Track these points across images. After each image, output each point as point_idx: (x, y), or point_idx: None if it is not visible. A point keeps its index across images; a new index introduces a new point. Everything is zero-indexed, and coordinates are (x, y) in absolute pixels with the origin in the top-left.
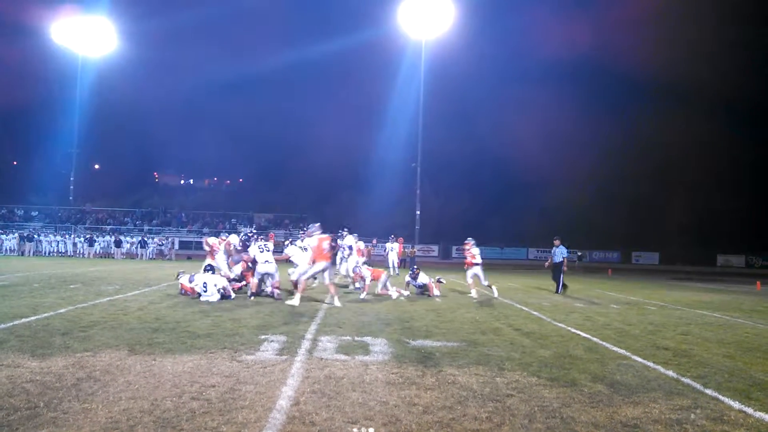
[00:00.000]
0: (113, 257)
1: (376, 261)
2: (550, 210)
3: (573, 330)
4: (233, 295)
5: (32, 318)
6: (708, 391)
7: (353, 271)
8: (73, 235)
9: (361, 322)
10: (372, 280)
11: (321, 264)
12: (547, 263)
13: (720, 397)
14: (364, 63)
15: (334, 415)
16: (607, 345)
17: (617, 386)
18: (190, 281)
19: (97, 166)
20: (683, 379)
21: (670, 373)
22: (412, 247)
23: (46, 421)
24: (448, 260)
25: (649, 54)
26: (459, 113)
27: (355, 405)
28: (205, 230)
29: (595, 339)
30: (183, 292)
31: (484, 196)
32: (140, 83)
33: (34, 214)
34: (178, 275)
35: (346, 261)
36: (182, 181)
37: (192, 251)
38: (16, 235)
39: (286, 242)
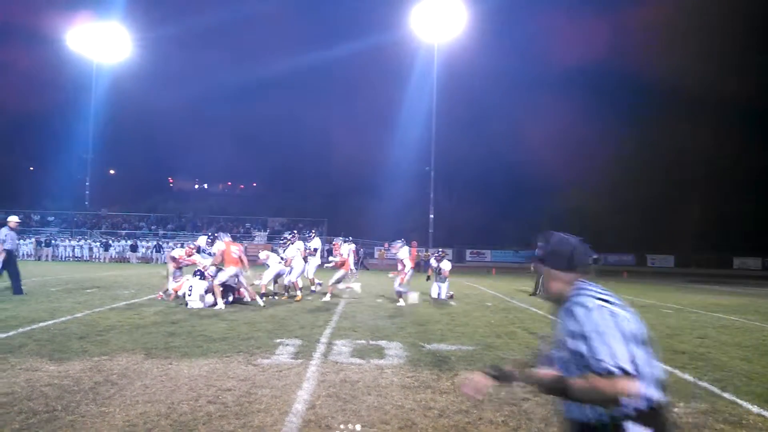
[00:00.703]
0: (129, 261)
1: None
2: (563, 213)
3: None
4: (221, 305)
5: (50, 322)
6: (726, 395)
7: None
8: (89, 240)
9: (375, 326)
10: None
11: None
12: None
13: (738, 401)
14: (376, 67)
15: (350, 419)
16: None
17: None
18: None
19: (112, 172)
20: (701, 382)
21: (688, 376)
22: (426, 251)
23: (64, 424)
24: (462, 263)
25: (662, 58)
26: (472, 117)
27: (370, 409)
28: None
29: None
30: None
31: (497, 200)
32: (154, 89)
33: (50, 219)
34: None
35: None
36: (196, 186)
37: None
38: (33, 239)
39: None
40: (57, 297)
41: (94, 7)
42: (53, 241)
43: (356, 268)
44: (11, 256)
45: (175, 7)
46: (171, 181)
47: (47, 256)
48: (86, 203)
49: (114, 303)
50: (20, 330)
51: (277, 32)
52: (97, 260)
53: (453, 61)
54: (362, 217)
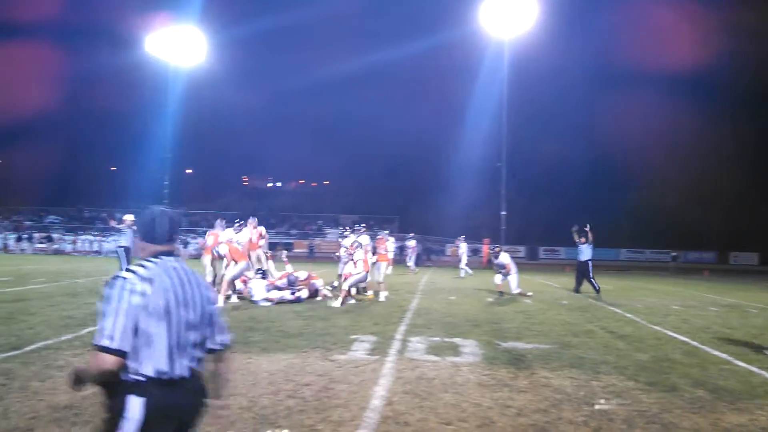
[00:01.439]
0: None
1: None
2: (641, 209)
3: (670, 333)
4: (220, 302)
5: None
6: None
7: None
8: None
9: (449, 324)
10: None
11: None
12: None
13: None
14: (446, 64)
15: (428, 416)
16: (707, 349)
17: (720, 392)
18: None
19: (189, 171)
20: None
21: None
22: (498, 248)
23: None
24: (536, 261)
25: (746, 51)
26: (544, 112)
27: (447, 406)
28: (294, 232)
29: (693, 342)
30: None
31: (571, 196)
32: (228, 90)
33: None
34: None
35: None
36: (270, 184)
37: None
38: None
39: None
40: None
41: (171, 11)
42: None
43: (415, 265)
44: (129, 253)
45: (248, 8)
46: (245, 179)
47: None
48: (165, 202)
49: None
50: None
51: (348, 31)
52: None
53: (524, 56)
54: (433, 215)
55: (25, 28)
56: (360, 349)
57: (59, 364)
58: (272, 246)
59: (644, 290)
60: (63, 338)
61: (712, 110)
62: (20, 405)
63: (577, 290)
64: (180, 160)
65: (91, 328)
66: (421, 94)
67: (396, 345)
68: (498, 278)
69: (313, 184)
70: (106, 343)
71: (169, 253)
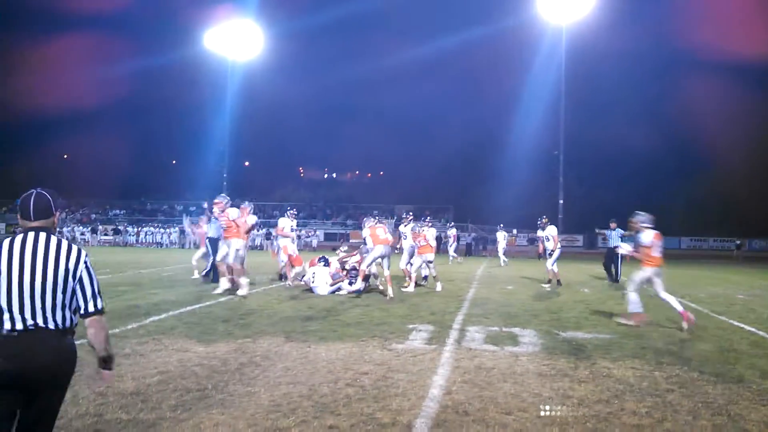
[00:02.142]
0: (262, 249)
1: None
2: (703, 197)
3: (735, 323)
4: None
5: (196, 306)
6: None
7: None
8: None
9: (507, 313)
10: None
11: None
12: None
13: None
14: (502, 52)
15: (487, 406)
16: None
17: None
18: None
19: (246, 163)
20: None
21: None
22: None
23: (215, 402)
24: (594, 250)
25: None
26: (603, 99)
27: (507, 396)
28: (349, 222)
29: (761, 333)
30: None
31: (630, 185)
32: (284, 82)
33: (192, 209)
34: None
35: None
36: (325, 176)
37: (335, 242)
38: (177, 228)
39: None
40: (201, 282)
41: (228, 6)
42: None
43: (456, 254)
44: (215, 244)
45: (303, 1)
46: (301, 171)
47: (190, 243)
48: (223, 194)
49: (253, 288)
50: (171, 313)
51: (403, 21)
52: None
53: (581, 42)
54: (489, 204)
55: (87, 24)
56: (418, 339)
57: (126, 352)
58: (334, 237)
59: (707, 279)
60: (129, 327)
61: None
62: (89, 391)
63: (614, 279)
64: (238, 152)
65: (154, 318)
66: (477, 83)
67: (454, 335)
68: (549, 263)
69: (368, 174)
70: None
71: (37, 228)
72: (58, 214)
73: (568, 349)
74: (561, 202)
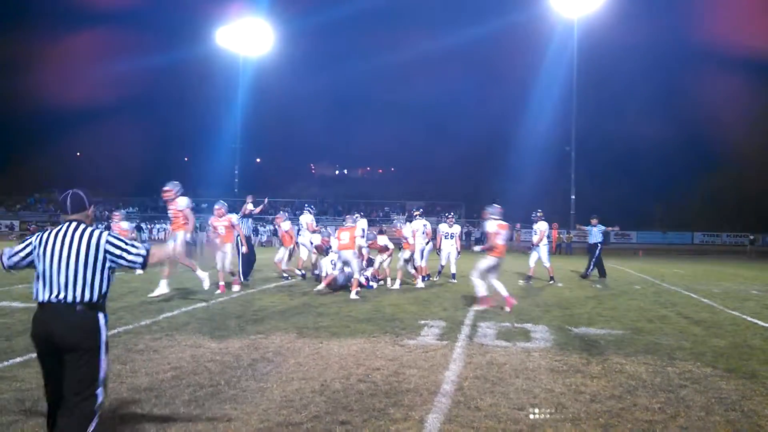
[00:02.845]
0: (273, 245)
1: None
2: (717, 191)
3: (749, 318)
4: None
5: (209, 302)
6: None
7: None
8: (238, 225)
9: (519, 309)
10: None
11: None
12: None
13: None
14: (514, 46)
15: (499, 401)
16: None
17: None
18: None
19: (258, 160)
20: None
21: None
22: (569, 233)
23: (227, 398)
24: (606, 246)
25: None
26: (615, 94)
27: (519, 391)
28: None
29: None
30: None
31: (643, 179)
32: (295, 79)
33: (203, 206)
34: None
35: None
36: (337, 172)
37: None
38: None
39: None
40: (213, 278)
41: (240, 3)
42: (207, 227)
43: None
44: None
45: None
46: (313, 167)
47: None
48: (235, 190)
49: (264, 285)
50: (183, 309)
51: (413, 16)
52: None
53: (594, 35)
54: (500, 200)
55: (100, 22)
56: (429, 335)
57: (139, 348)
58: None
59: (721, 274)
60: (143, 323)
61: None
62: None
63: (585, 274)
64: (249, 149)
65: (167, 314)
66: (489, 78)
67: (465, 330)
68: (532, 259)
69: (379, 170)
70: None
71: (73, 220)
72: (92, 208)
73: (580, 344)
74: (573, 198)
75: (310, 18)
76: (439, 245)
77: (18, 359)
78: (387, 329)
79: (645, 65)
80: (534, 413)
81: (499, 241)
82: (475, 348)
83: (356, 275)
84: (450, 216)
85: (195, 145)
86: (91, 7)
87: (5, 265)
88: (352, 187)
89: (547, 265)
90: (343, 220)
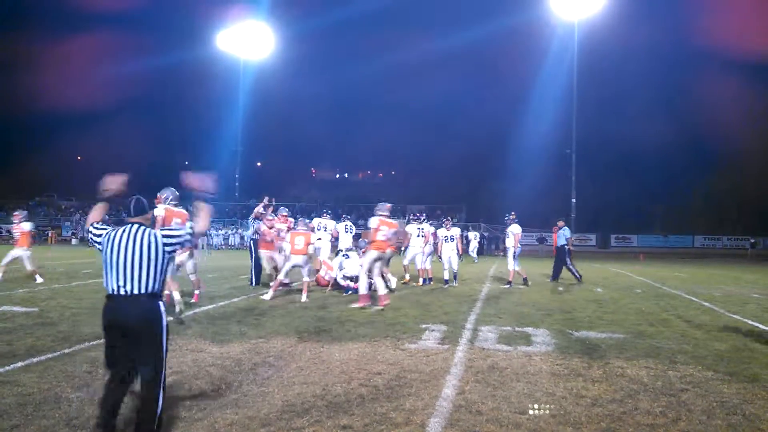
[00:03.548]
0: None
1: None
2: (717, 194)
3: (750, 322)
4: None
5: (210, 306)
6: None
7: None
8: (239, 229)
9: (520, 313)
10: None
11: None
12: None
13: None
14: (514, 48)
15: (501, 405)
16: None
17: None
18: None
19: (259, 164)
20: None
21: None
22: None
23: (229, 402)
24: (607, 250)
25: None
26: (615, 96)
27: (521, 395)
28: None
29: None
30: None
31: (644, 182)
32: (295, 82)
33: None
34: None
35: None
36: (337, 175)
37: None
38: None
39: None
40: (215, 283)
41: (240, 7)
42: (208, 231)
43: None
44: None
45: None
46: (313, 171)
47: (203, 245)
48: (236, 194)
49: (265, 289)
50: (185, 314)
51: (414, 19)
52: (247, 248)
53: (594, 38)
54: (501, 203)
55: (100, 25)
56: (430, 339)
57: None
58: (358, 236)
59: (721, 278)
60: None
61: None
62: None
63: (554, 278)
64: (250, 152)
65: (168, 318)
66: (489, 80)
67: (467, 334)
68: (510, 262)
69: (380, 174)
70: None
71: (134, 222)
72: (151, 213)
73: (581, 348)
74: (573, 200)
75: (310, 21)
76: (440, 250)
77: (19, 363)
78: (388, 333)
79: (645, 67)
80: (535, 417)
81: (379, 236)
82: (477, 352)
83: (306, 278)
84: (447, 220)
85: (196, 149)
86: (92, 11)
87: (88, 229)
88: (353, 191)
89: (511, 268)
90: (296, 224)
